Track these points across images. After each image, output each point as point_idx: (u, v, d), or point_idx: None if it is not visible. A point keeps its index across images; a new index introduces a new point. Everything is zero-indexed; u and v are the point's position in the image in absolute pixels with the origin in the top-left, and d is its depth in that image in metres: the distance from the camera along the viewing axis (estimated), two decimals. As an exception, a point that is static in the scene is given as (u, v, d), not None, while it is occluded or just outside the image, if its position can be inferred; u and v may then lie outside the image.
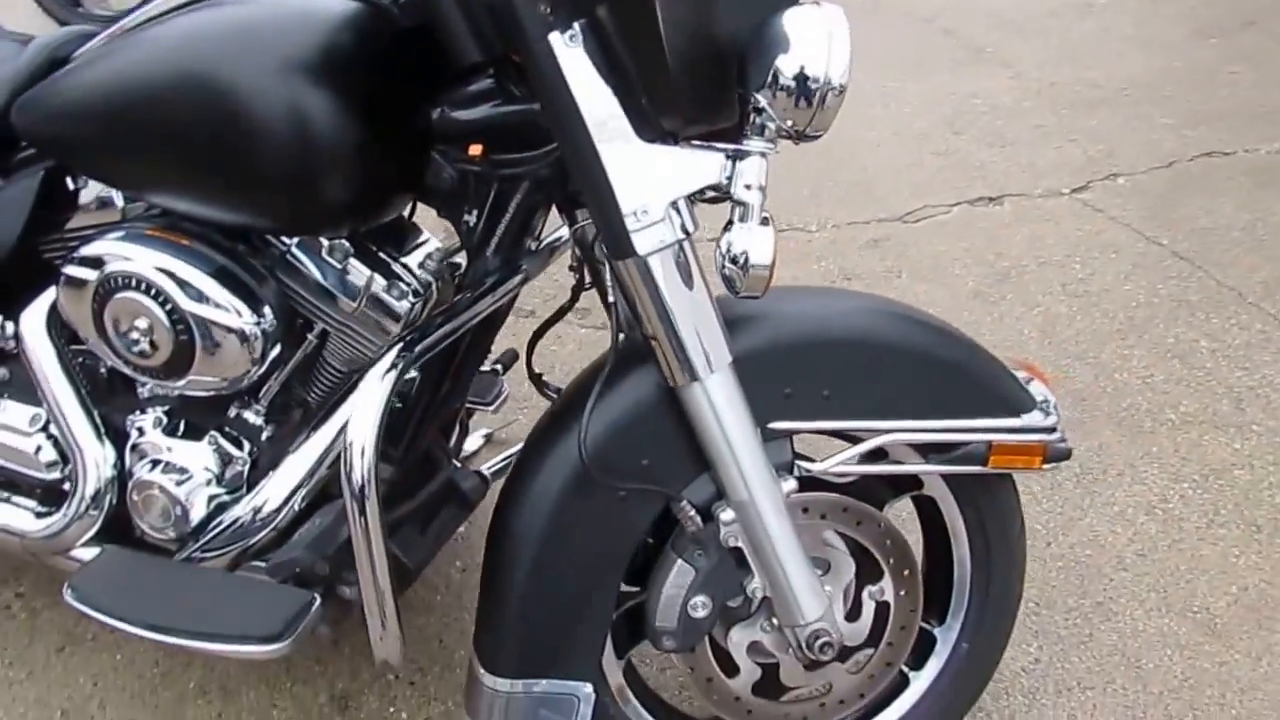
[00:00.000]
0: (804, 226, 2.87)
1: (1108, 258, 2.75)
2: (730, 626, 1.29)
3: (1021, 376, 1.32)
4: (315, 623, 1.24)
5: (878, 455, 1.28)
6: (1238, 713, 1.59)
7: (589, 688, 1.26)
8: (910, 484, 1.36)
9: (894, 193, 3.02)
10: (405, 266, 1.31)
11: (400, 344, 1.17)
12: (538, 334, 1.43)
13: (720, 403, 1.14)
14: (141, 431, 1.39)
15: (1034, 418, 1.27)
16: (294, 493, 1.30)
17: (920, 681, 1.43)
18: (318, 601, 1.25)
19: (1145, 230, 2.87)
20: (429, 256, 1.33)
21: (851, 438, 1.26)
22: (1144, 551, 1.87)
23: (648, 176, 1.06)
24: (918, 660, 1.43)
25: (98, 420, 1.40)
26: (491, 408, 1.78)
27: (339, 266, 1.28)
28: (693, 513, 1.21)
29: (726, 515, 1.20)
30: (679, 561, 1.23)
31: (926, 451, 1.28)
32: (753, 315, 1.24)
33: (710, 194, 1.10)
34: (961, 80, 3.74)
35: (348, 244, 1.27)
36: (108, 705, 1.61)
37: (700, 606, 1.23)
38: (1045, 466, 1.28)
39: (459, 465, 1.54)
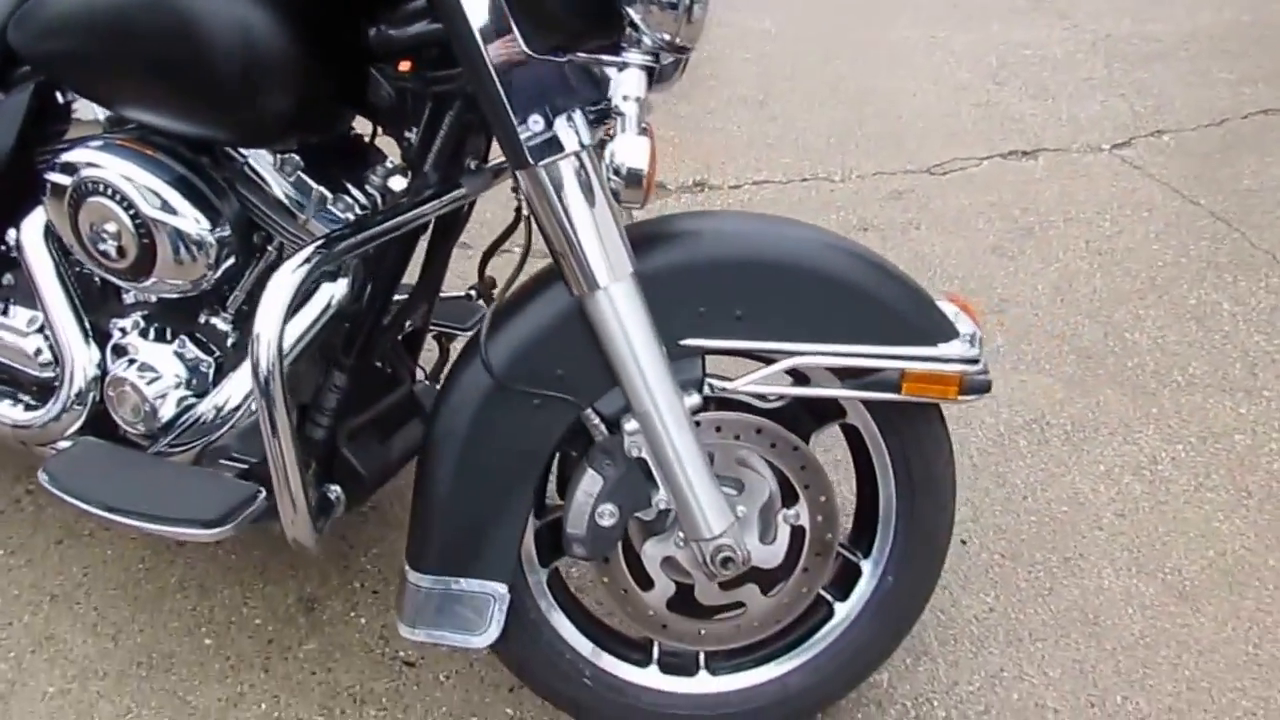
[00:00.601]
0: (828, 176, 2.84)
1: (1140, 216, 2.68)
2: (645, 540, 1.33)
3: (950, 310, 1.31)
4: (258, 514, 1.32)
5: (799, 379, 1.31)
6: (1191, 673, 1.57)
7: (504, 588, 1.31)
8: (835, 412, 1.36)
9: (924, 144, 2.97)
10: (354, 182, 1.37)
11: (318, 243, 1.20)
12: (488, 253, 1.47)
13: (621, 312, 1.18)
14: (123, 333, 1.48)
15: (951, 348, 1.26)
16: (249, 394, 1.37)
17: (844, 611, 1.43)
18: (262, 494, 1.32)
19: (1184, 189, 2.78)
20: (375, 174, 1.37)
21: (769, 360, 1.27)
22: (1124, 512, 1.85)
23: (540, 89, 1.11)
24: (843, 591, 1.44)
25: (86, 324, 1.49)
26: (469, 333, 1.83)
27: (289, 180, 1.34)
28: (597, 421, 1.25)
29: (630, 426, 1.24)
30: (589, 470, 1.27)
31: (845, 377, 1.29)
32: (674, 233, 1.28)
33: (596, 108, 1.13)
34: (1014, 30, 3.64)
35: (298, 159, 1.34)
36: (93, 594, 1.71)
37: (608, 515, 1.27)
38: (962, 398, 1.27)
39: (425, 383, 1.59)
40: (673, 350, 1.24)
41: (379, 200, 1.37)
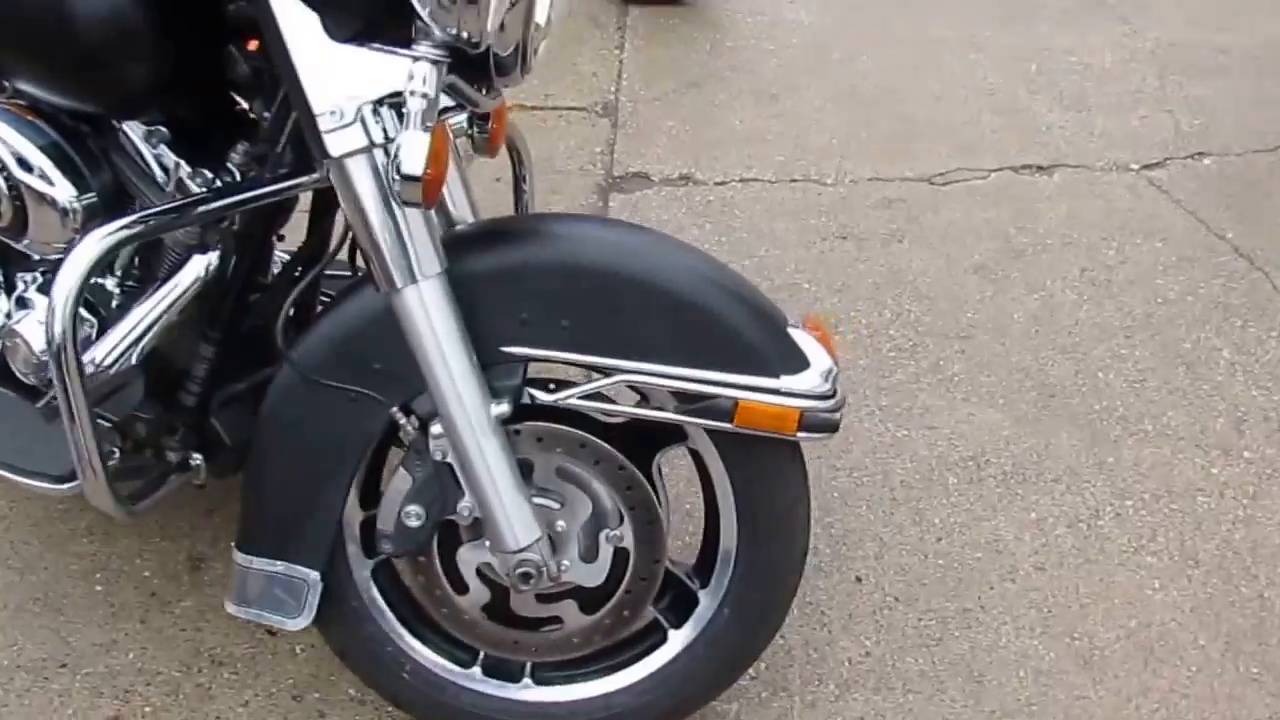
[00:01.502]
0: (819, 178, 2.70)
1: (1151, 246, 2.48)
2: (461, 544, 1.30)
3: (805, 341, 1.21)
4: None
5: (641, 398, 1.25)
6: (1070, 754, 1.43)
7: (316, 575, 1.29)
8: (678, 435, 1.29)
9: (931, 151, 2.80)
10: (218, 157, 1.33)
11: (132, 217, 1.17)
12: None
13: (422, 312, 1.13)
14: (25, 286, 1.47)
15: (795, 381, 1.17)
16: (117, 356, 1.35)
17: (677, 639, 1.37)
18: (116, 455, 1.34)
19: (1210, 220, 2.57)
20: (236, 151, 1.33)
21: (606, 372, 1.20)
22: (1045, 566, 1.70)
23: (339, 78, 1.06)
24: (679, 618, 1.36)
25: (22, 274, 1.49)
26: None
27: (154, 152, 1.32)
28: (404, 420, 1.22)
29: (435, 429, 1.20)
30: (401, 469, 1.25)
31: (684, 400, 1.21)
32: (514, 233, 1.25)
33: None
34: (1063, 34, 3.41)
35: (165, 131, 1.31)
36: (12, 529, 1.74)
37: (414, 516, 1.24)
38: (802, 435, 1.18)
39: None
40: (493, 356, 1.19)
41: (236, 176, 1.34)
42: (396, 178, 1.00)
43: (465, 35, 1.01)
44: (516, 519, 1.20)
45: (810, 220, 2.53)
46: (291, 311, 1.48)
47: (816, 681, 1.52)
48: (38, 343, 1.39)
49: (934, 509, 1.79)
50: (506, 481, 1.19)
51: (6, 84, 1.33)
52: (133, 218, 1.17)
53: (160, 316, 1.32)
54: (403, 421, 1.21)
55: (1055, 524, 1.77)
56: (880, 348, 2.15)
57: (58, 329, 1.13)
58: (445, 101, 1.20)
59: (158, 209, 1.22)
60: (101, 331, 1.39)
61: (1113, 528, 1.77)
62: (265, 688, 1.51)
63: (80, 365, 1.15)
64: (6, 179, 1.31)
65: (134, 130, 1.31)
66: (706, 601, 1.35)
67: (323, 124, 1.06)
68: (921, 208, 2.58)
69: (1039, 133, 2.90)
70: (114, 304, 1.40)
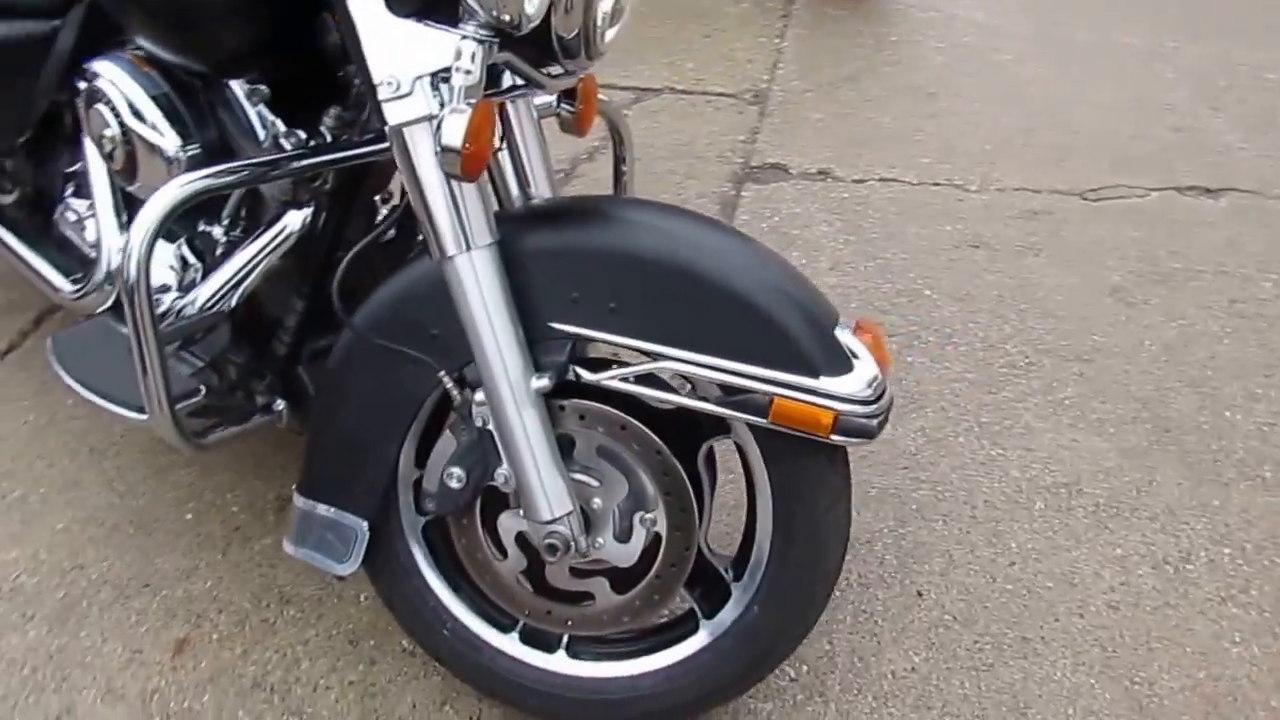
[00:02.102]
0: (963, 184, 2.64)
1: (1316, 283, 2.31)
2: (503, 510, 1.34)
3: (853, 344, 1.20)
4: (192, 408, 1.48)
5: (692, 388, 1.26)
6: (1104, 800, 1.39)
7: (365, 525, 1.36)
8: (722, 427, 1.29)
9: (1090, 164, 2.68)
10: (312, 119, 1.43)
11: (209, 172, 1.27)
12: None
13: (472, 282, 1.18)
14: None
15: (834, 383, 1.16)
16: (213, 300, 1.49)
17: (707, 630, 1.37)
18: (202, 392, 1.48)
19: (1391, 262, 2.37)
20: (330, 114, 1.42)
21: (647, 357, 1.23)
22: (1119, 604, 1.64)
23: (397, 51, 1.12)
24: (712, 609, 1.38)
25: (123, 216, 1.66)
26: None
27: (255, 109, 1.43)
28: (451, 385, 1.26)
29: (479, 396, 1.24)
30: (447, 432, 1.30)
31: (725, 393, 1.21)
32: (564, 214, 1.28)
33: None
34: (1263, 48, 3.19)
35: (266, 90, 1.41)
36: (122, 454, 1.91)
37: (455, 478, 1.28)
38: (836, 438, 1.17)
39: None
40: (542, 331, 1.23)
41: (328, 138, 1.44)
42: (438, 149, 1.07)
43: (505, 18, 1.06)
44: (550, 490, 1.25)
45: (944, 226, 2.48)
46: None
47: (855, 691, 1.52)
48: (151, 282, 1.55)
49: (1013, 532, 1.75)
50: (543, 453, 1.23)
51: (130, 38, 1.46)
52: (211, 170, 1.26)
53: (253, 267, 1.44)
54: (450, 387, 1.27)
55: (1140, 563, 1.70)
56: (993, 363, 2.10)
57: (132, 268, 1.22)
58: (512, 80, 1.25)
59: (235, 164, 1.30)
60: (205, 276, 1.53)
61: (1202, 574, 1.68)
62: (326, 629, 1.62)
63: (151, 303, 1.23)
64: (121, 125, 1.45)
65: (239, 89, 1.41)
66: (738, 596, 1.35)
67: (381, 93, 1.12)
68: (1067, 222, 2.48)
69: (1213, 153, 2.74)
70: (218, 252, 1.53)
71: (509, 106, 1.34)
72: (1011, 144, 2.77)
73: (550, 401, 1.27)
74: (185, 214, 1.55)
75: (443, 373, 1.27)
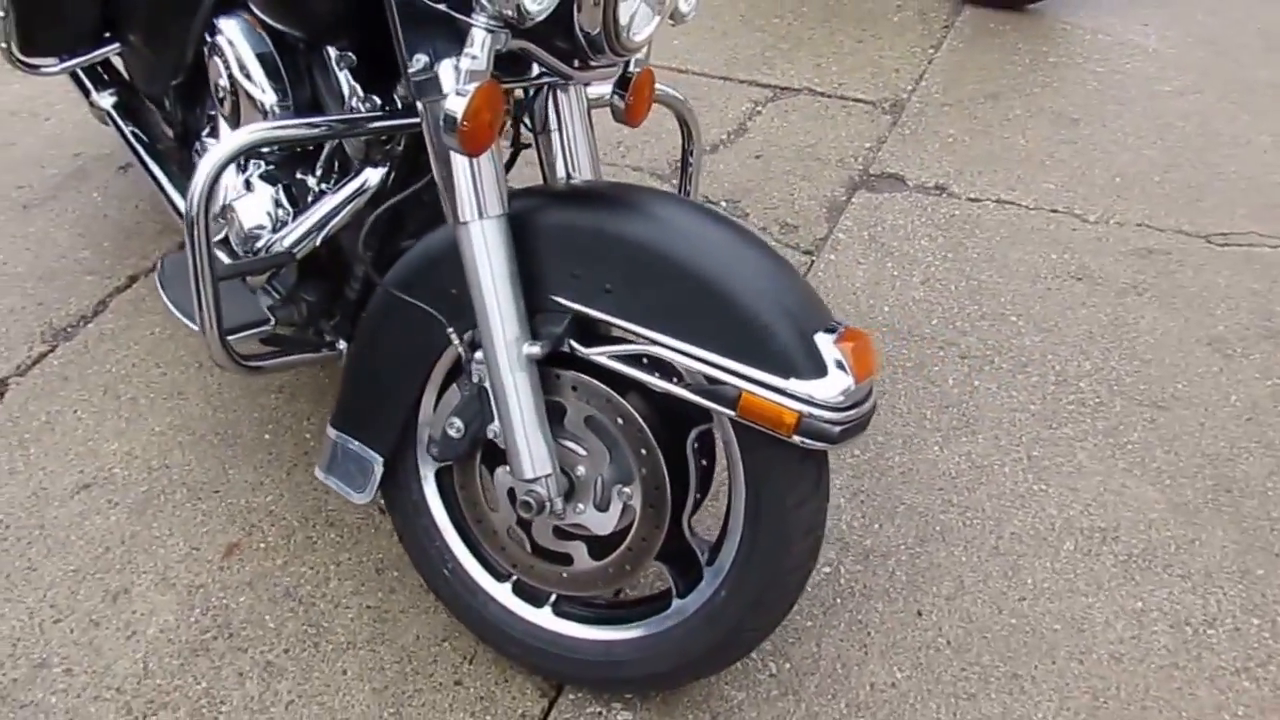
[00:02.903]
0: (1081, 213, 2.55)
1: None
2: (499, 465, 1.43)
3: (833, 353, 1.22)
4: (261, 335, 1.66)
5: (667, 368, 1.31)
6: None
7: (381, 461, 1.49)
8: (705, 415, 1.35)
9: (1224, 207, 2.54)
10: (387, 86, 1.55)
11: (266, 127, 1.42)
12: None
13: (480, 248, 1.28)
14: (250, 170, 1.81)
15: (803, 385, 1.20)
16: (296, 242, 1.64)
17: (678, 608, 1.43)
18: (271, 322, 1.66)
19: None
20: (401, 83, 1.54)
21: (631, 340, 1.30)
22: (1123, 657, 1.59)
23: (426, 33, 1.24)
24: (686, 589, 1.43)
25: (241, 158, 1.84)
26: None
27: (341, 74, 1.56)
28: (458, 342, 1.37)
29: (478, 355, 1.34)
30: (455, 384, 1.42)
31: (705, 382, 1.27)
32: (578, 195, 1.37)
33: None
34: None
35: (352, 57, 1.54)
36: (223, 372, 2.09)
37: (455, 428, 1.40)
38: (798, 438, 1.20)
39: None
40: (543, 302, 1.32)
41: (398, 106, 1.56)
42: (442, 125, 1.17)
43: (508, 12, 1.15)
44: (532, 451, 1.33)
45: (1050, 254, 2.41)
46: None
47: (830, 696, 1.55)
48: (248, 220, 1.70)
49: (1033, 569, 1.72)
50: (530, 415, 1.32)
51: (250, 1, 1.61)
52: (272, 124, 1.41)
53: (332, 216, 1.57)
54: (457, 343, 1.37)
55: (1158, 619, 1.64)
56: (1061, 397, 2.04)
57: (193, 203, 1.35)
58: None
59: (295, 121, 1.44)
60: (294, 220, 1.67)
61: (1223, 641, 1.61)
62: (359, 555, 1.77)
63: (209, 236, 1.37)
64: (230, 76, 1.61)
65: (331, 54, 1.54)
66: (709, 579, 1.40)
67: (411, 70, 1.24)
68: (1183, 264, 2.37)
69: (1371, 210, 2.54)
70: (309, 199, 1.66)
71: (559, 93, 1.43)
72: (1145, 178, 2.65)
73: (547, 369, 1.35)
74: (285, 163, 1.72)
75: (451, 330, 1.37)
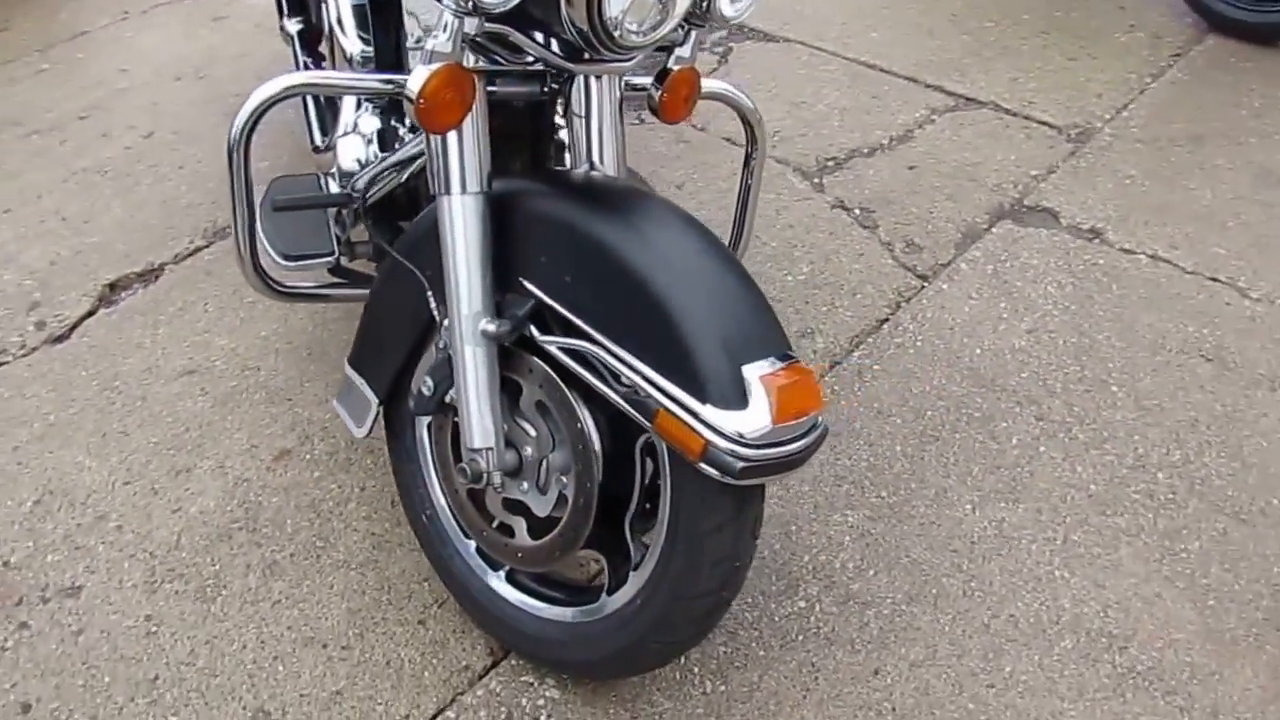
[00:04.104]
0: (1246, 287, 2.29)
1: None
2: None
3: (757, 383, 1.21)
4: (322, 265, 1.79)
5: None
6: None
7: (377, 402, 1.59)
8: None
9: None
10: None
11: (302, 77, 1.53)
12: None
13: (456, 222, 1.34)
14: (361, 110, 1.96)
15: (716, 413, 1.19)
16: (373, 184, 1.75)
17: (601, 606, 1.47)
18: (334, 255, 1.79)
19: None
20: None
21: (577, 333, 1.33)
22: (1075, 774, 1.49)
23: (421, 12, 1.35)
24: (616, 588, 1.46)
25: (363, 103, 2.00)
26: None
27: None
28: (435, 307, 1.43)
29: (446, 322, 1.40)
30: (432, 345, 1.49)
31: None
32: (561, 185, 1.39)
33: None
34: None
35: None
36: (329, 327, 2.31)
37: (426, 386, 1.48)
38: (702, 465, 1.20)
39: None
40: (512, 284, 1.38)
41: None
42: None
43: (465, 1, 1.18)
44: (478, 421, 1.39)
45: (1187, 325, 2.20)
46: None
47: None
48: (344, 158, 1.85)
49: (1017, 657, 1.62)
50: (480, 388, 1.38)
51: None
52: (308, 76, 1.51)
53: (393, 166, 1.68)
54: (434, 308, 1.43)
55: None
56: (1131, 484, 1.88)
57: (232, 139, 1.46)
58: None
59: (332, 74, 1.53)
60: (379, 163, 1.79)
61: (1203, 790, 1.47)
62: (383, 484, 1.90)
63: (247, 170, 1.49)
64: (329, 24, 1.73)
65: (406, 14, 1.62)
66: (631, 584, 1.43)
67: (409, 43, 1.31)
68: (1339, 366, 2.10)
69: None
70: (395, 146, 1.78)
71: (591, 81, 1.44)
72: (1340, 260, 2.35)
73: (512, 348, 1.40)
74: (386, 109, 1.85)
75: (430, 294, 1.44)
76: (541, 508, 1.46)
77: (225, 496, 1.89)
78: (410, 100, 1.23)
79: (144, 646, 1.65)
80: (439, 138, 1.32)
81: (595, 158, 1.46)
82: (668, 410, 1.23)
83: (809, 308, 2.29)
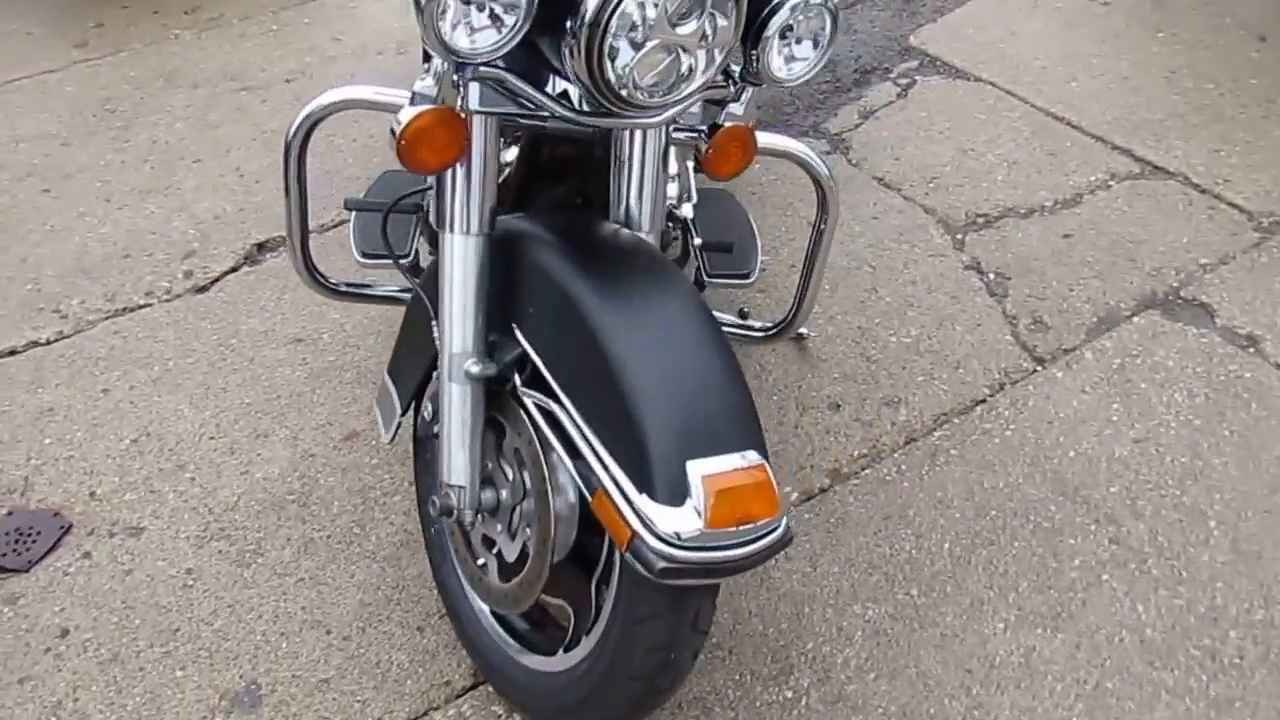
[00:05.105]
0: None
1: None
2: None
3: (699, 483, 1.16)
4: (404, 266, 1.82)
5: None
6: None
7: (400, 411, 1.63)
8: None
9: None
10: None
11: (353, 89, 1.58)
12: None
13: (453, 260, 1.36)
14: None
15: (649, 505, 1.16)
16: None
17: (557, 660, 1.48)
18: (408, 255, 1.85)
19: None
20: None
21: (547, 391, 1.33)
22: None
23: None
24: (572, 645, 1.46)
25: None
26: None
27: None
28: (435, 334, 1.44)
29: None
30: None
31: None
32: (570, 239, 1.36)
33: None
34: None
35: None
36: None
37: (427, 410, 1.54)
38: (629, 556, 1.18)
39: None
40: (504, 327, 1.39)
41: None
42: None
43: (435, 48, 1.17)
44: (454, 458, 1.42)
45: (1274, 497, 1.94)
46: None
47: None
48: None
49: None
50: (459, 426, 1.40)
51: None
52: (356, 89, 1.54)
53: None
54: (435, 338, 1.42)
55: None
56: (1194, 638, 1.69)
57: (288, 142, 1.56)
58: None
59: (372, 91, 1.54)
60: None
61: None
62: (405, 451, 1.96)
63: (301, 176, 1.58)
64: None
65: None
66: (584, 645, 1.43)
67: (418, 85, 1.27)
68: None
69: None
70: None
71: (637, 134, 1.41)
72: None
73: (501, 390, 1.41)
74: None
75: (434, 323, 1.44)
76: (510, 552, 1.48)
77: (289, 467, 2.02)
78: (392, 136, 1.24)
79: (177, 598, 1.80)
80: (454, 178, 1.33)
81: (626, 208, 1.44)
82: (605, 492, 1.21)
83: (904, 374, 2.18)
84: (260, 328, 2.33)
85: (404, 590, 1.81)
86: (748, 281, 1.99)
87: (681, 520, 1.16)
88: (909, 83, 3.09)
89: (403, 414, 1.66)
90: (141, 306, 2.38)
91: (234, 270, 2.49)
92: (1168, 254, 2.44)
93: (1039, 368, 2.18)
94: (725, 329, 1.94)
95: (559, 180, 1.70)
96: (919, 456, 2.00)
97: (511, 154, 1.70)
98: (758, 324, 1.97)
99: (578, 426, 1.26)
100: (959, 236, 2.52)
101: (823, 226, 1.70)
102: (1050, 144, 2.81)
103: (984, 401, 2.11)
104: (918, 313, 2.32)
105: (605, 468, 1.21)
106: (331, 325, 2.33)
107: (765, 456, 1.22)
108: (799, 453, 2.02)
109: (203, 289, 2.45)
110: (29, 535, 1.91)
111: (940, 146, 2.81)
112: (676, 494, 1.16)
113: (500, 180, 1.67)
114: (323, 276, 1.75)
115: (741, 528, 1.18)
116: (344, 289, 1.84)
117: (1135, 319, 2.27)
